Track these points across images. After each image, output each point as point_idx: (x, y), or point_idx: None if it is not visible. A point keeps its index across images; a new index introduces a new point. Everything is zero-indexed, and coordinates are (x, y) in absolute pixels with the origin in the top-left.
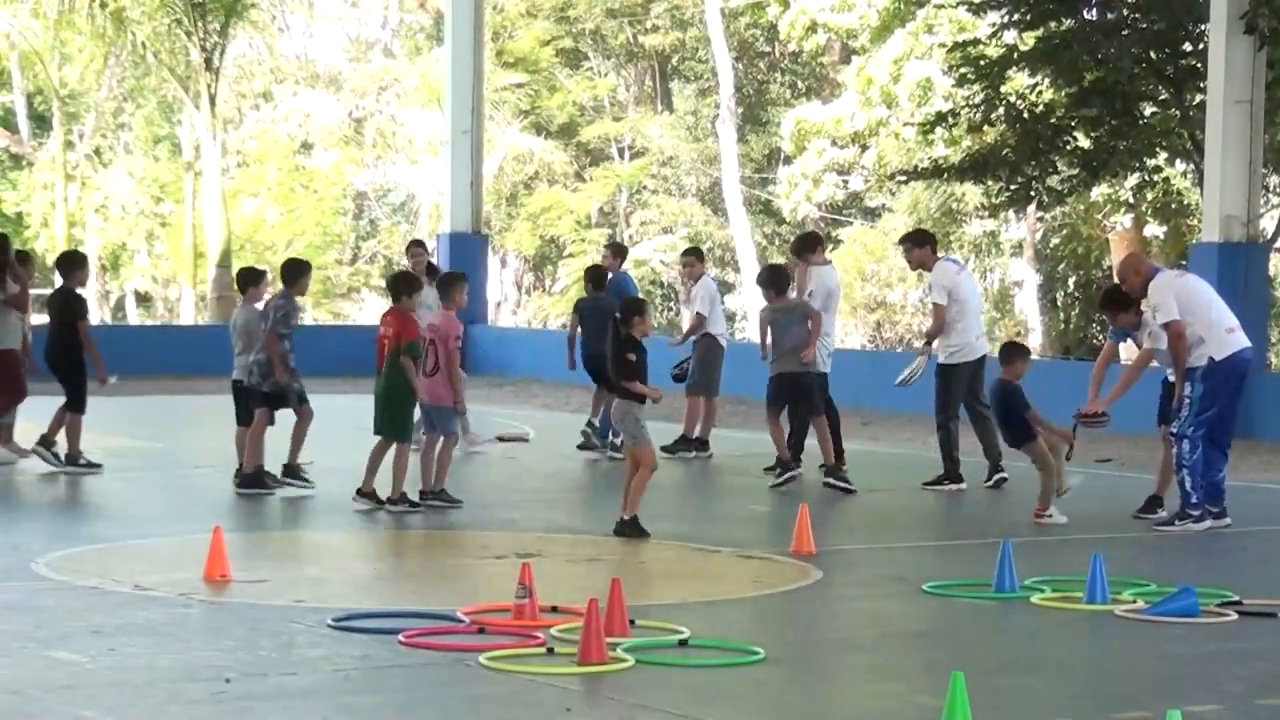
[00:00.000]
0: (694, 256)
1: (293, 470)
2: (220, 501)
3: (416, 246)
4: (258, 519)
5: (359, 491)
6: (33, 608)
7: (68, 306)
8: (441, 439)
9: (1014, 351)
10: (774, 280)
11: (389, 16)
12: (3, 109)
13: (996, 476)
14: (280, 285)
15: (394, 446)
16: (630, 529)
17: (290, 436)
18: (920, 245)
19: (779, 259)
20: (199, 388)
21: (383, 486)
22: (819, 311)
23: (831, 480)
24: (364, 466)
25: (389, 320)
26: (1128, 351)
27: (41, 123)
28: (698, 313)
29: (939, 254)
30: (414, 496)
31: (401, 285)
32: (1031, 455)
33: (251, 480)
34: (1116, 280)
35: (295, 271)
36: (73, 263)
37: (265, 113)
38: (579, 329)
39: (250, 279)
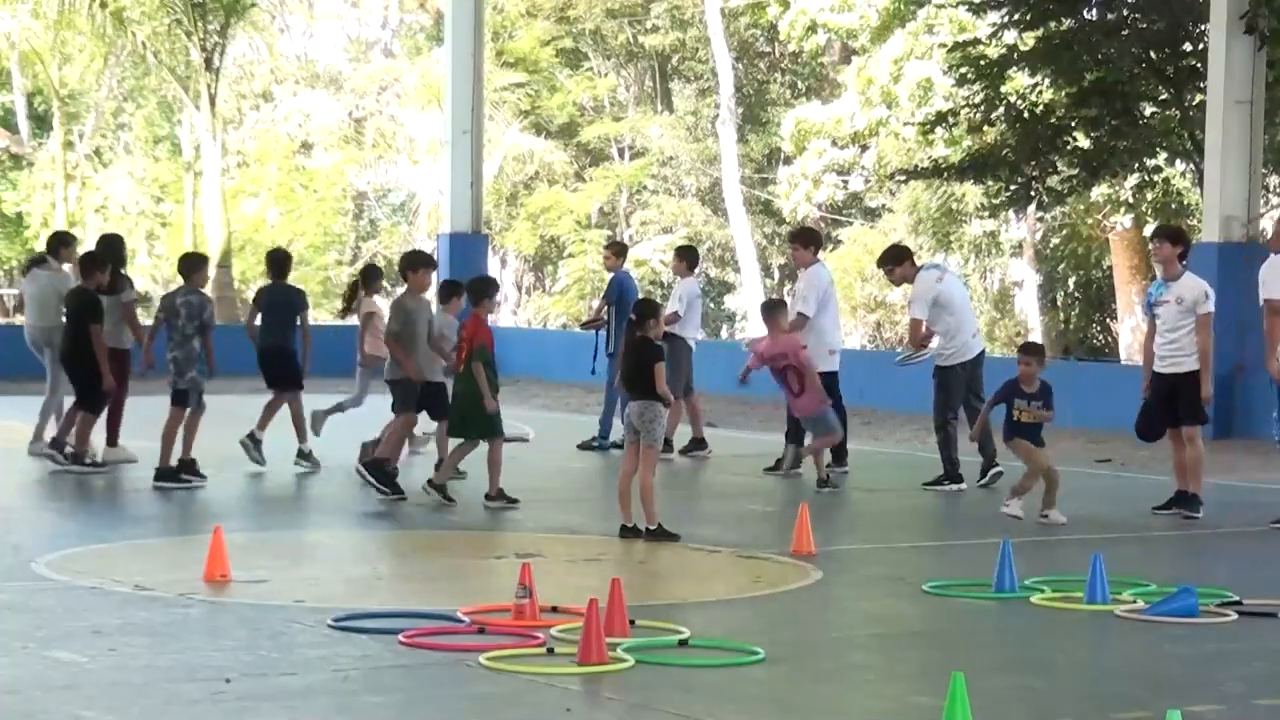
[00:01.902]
0: (678, 256)
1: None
2: (220, 501)
3: (66, 235)
4: (258, 519)
5: (433, 484)
6: (33, 608)
7: (85, 308)
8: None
9: (1024, 349)
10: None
11: (389, 16)
12: (3, 109)
13: (991, 472)
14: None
15: (490, 444)
16: (660, 535)
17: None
18: (899, 263)
19: (779, 259)
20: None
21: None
22: (801, 314)
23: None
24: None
25: (467, 325)
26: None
27: (41, 123)
28: (674, 311)
29: (919, 264)
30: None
31: (480, 289)
32: (1017, 453)
33: (168, 474)
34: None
35: (194, 265)
36: (92, 263)
37: (265, 113)
38: (258, 318)
39: (455, 290)
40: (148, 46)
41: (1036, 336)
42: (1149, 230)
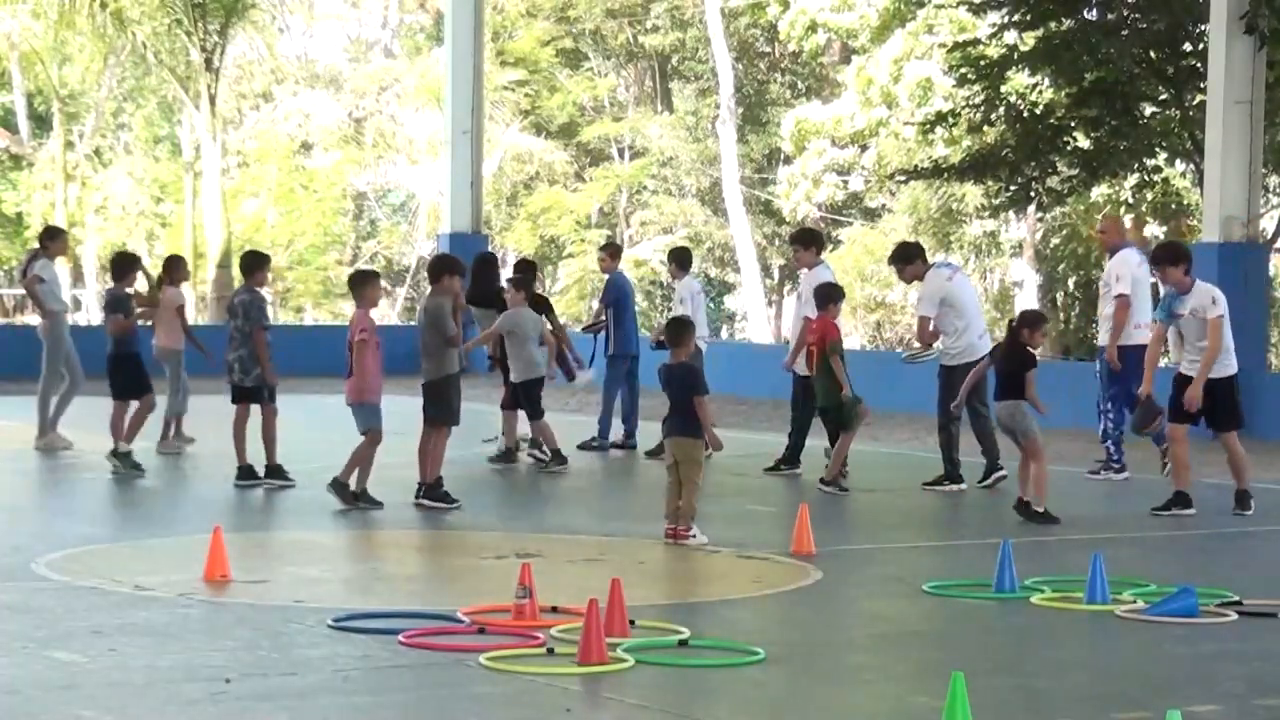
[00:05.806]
0: (671, 259)
1: (276, 469)
2: (220, 501)
3: (55, 229)
4: (258, 519)
5: (825, 482)
6: (33, 608)
7: None
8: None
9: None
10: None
11: (389, 16)
12: (3, 109)
13: (995, 475)
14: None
15: (842, 435)
16: (1042, 518)
17: (262, 436)
18: (909, 261)
19: (779, 259)
20: (198, 388)
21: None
22: (806, 317)
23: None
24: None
25: (814, 328)
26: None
27: (41, 123)
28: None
29: (931, 260)
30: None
31: (829, 295)
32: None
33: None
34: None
35: (254, 263)
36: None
37: (265, 113)
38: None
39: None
40: (148, 46)
41: None
42: (1147, 229)
